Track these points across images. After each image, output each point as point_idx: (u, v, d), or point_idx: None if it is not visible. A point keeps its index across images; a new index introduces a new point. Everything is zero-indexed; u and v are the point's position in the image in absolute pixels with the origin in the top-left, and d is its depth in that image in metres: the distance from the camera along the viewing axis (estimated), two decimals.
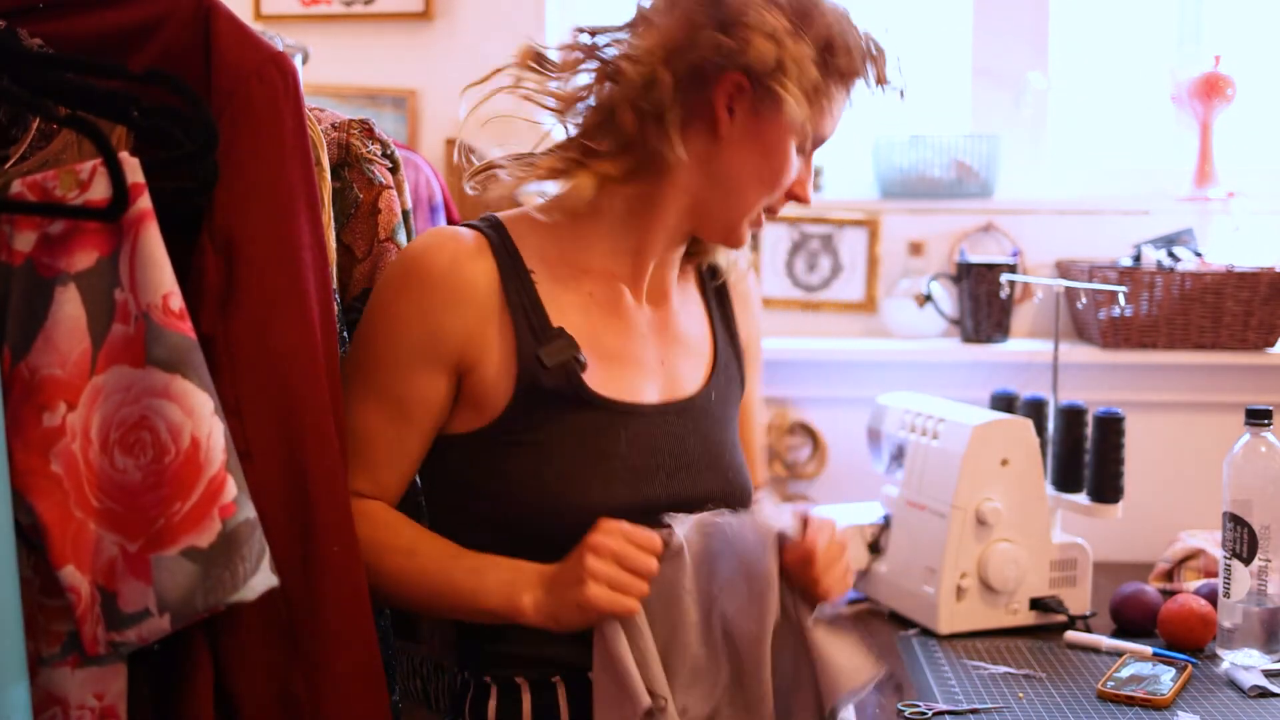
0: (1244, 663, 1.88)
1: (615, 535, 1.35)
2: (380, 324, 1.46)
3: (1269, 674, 1.85)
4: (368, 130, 1.64)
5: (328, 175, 1.54)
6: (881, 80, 1.51)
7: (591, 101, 1.48)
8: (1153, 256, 2.54)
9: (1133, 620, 2.05)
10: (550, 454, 1.44)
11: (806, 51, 1.43)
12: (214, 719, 1.21)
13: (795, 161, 1.50)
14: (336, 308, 1.51)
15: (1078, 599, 2.11)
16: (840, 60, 1.46)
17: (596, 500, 1.43)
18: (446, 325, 1.44)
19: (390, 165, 1.65)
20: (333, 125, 1.62)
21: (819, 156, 2.75)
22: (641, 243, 1.53)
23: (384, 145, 1.66)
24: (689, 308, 1.63)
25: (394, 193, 1.64)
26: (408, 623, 1.65)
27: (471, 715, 1.51)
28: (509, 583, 1.40)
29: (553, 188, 1.55)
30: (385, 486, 1.48)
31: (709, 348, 1.62)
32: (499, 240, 1.49)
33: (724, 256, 1.64)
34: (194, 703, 1.19)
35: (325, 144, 1.56)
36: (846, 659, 1.42)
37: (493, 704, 1.48)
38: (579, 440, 1.45)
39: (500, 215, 1.53)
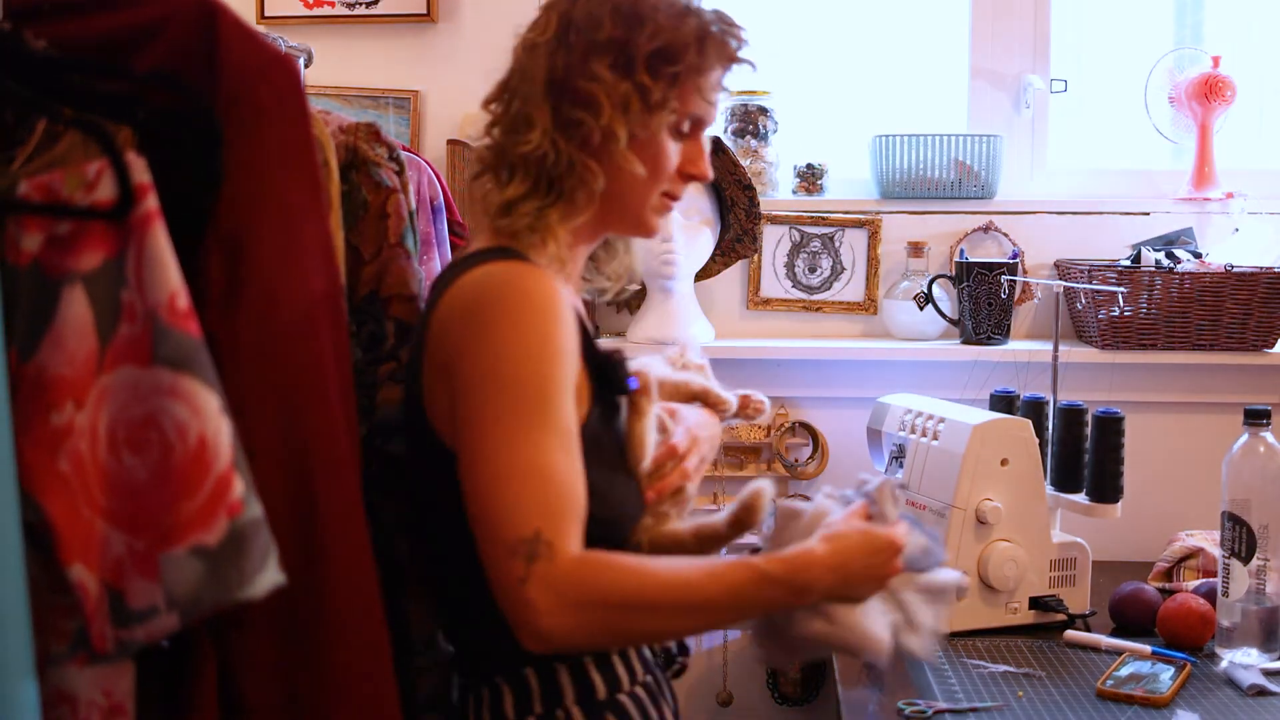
0: (1243, 661, 1.89)
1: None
2: (540, 358, 1.43)
3: (1268, 673, 1.86)
4: (374, 134, 1.64)
5: (335, 175, 1.55)
6: (728, 59, 1.56)
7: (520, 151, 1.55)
8: (1152, 257, 2.55)
9: (1132, 619, 2.06)
10: (615, 453, 1.54)
11: (638, 57, 1.50)
12: (219, 717, 1.22)
13: (672, 153, 1.56)
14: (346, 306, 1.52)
15: (1077, 598, 2.11)
16: (681, 55, 1.51)
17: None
18: (571, 346, 1.47)
19: (396, 168, 1.66)
20: (340, 128, 1.63)
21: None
22: (574, 254, 1.61)
23: (390, 148, 1.66)
24: None
25: (402, 196, 1.65)
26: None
27: (546, 709, 1.51)
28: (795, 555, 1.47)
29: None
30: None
31: None
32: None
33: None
34: (199, 701, 1.20)
35: (333, 146, 1.56)
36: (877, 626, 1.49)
37: (509, 703, 1.51)
38: (618, 438, 1.55)
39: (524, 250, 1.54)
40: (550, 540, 1.34)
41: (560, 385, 1.42)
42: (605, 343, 1.59)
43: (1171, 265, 2.51)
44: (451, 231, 2.23)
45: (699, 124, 1.59)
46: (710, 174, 1.62)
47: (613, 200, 1.56)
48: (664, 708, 1.59)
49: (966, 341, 2.65)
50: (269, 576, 1.10)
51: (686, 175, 1.60)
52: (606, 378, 1.51)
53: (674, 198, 1.62)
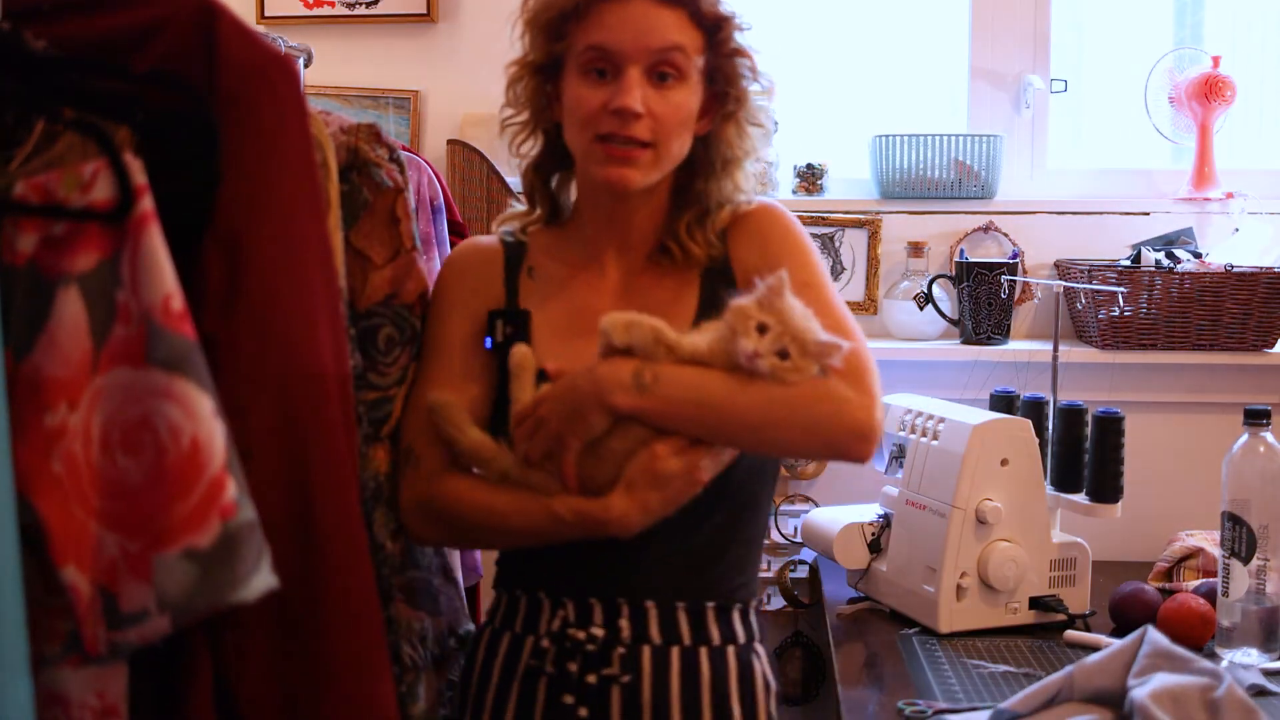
0: (1243, 661, 1.89)
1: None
2: (434, 315, 1.72)
3: (1267, 673, 1.86)
4: (375, 134, 1.64)
5: (334, 176, 1.55)
6: None
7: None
8: (1152, 257, 2.55)
9: (1132, 619, 2.05)
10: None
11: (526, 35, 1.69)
12: (214, 715, 1.21)
13: (586, 92, 1.62)
14: (345, 308, 1.52)
15: (1077, 598, 2.11)
16: (548, 8, 1.65)
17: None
18: (458, 304, 1.71)
19: (398, 169, 1.66)
20: (341, 129, 1.63)
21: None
22: (598, 217, 1.73)
23: (391, 149, 1.66)
24: (673, 289, 1.71)
25: (407, 196, 1.65)
26: (430, 598, 1.68)
27: (488, 619, 1.73)
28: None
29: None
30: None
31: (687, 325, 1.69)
32: (514, 244, 1.77)
33: (694, 237, 1.71)
34: (194, 703, 1.20)
35: (334, 147, 1.56)
36: None
37: (500, 612, 1.71)
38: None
39: (533, 228, 1.79)
40: (418, 454, 1.63)
41: (449, 334, 1.69)
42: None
43: (1171, 265, 2.51)
44: (451, 231, 2.23)
45: (610, 57, 1.61)
46: (633, 103, 1.59)
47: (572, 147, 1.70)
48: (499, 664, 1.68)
49: (966, 341, 2.65)
50: (262, 579, 1.10)
51: (613, 111, 1.60)
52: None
53: (616, 140, 1.61)
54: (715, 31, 1.65)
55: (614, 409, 1.52)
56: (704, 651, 1.63)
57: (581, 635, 1.62)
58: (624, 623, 1.62)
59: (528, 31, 1.68)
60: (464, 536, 1.71)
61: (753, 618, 1.71)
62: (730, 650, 1.65)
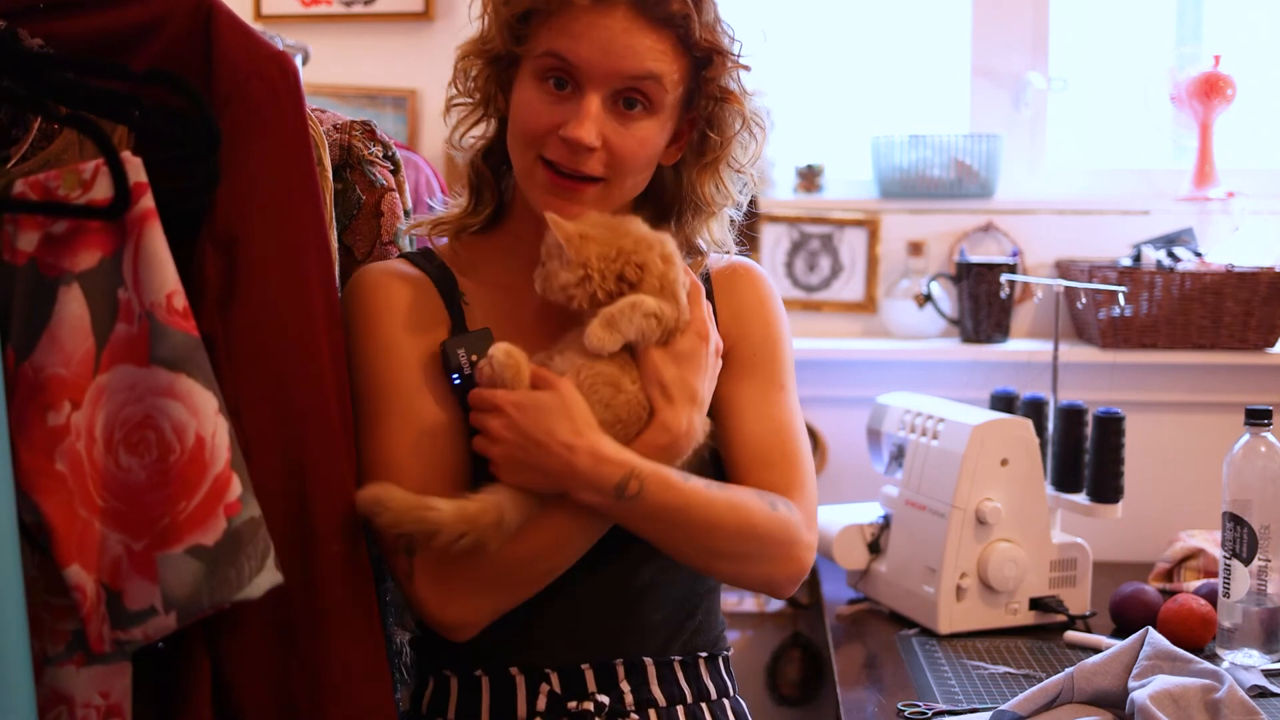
0: (1244, 662, 1.89)
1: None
2: (373, 356, 1.46)
3: (1268, 674, 1.85)
4: (369, 132, 1.64)
5: (329, 175, 1.55)
6: None
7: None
8: (1152, 256, 2.55)
9: (1133, 620, 2.05)
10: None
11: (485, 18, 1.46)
12: (213, 718, 1.21)
13: (537, 103, 1.41)
14: None
15: (1077, 599, 2.11)
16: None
17: None
18: (405, 336, 1.46)
19: (391, 167, 1.66)
20: (334, 126, 1.62)
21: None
22: (525, 241, 1.50)
23: (385, 147, 1.66)
24: None
25: (397, 195, 1.64)
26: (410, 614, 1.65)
27: (429, 711, 1.51)
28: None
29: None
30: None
31: None
32: (437, 267, 1.52)
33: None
34: (194, 702, 1.20)
35: (327, 144, 1.56)
36: None
37: (453, 699, 1.49)
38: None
39: (437, 247, 1.57)
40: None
41: (400, 375, 1.43)
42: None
43: (1172, 265, 2.51)
44: None
45: (571, 71, 1.39)
46: (587, 138, 1.37)
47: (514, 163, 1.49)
48: None
49: (966, 341, 2.64)
50: (267, 576, 1.10)
51: (563, 138, 1.39)
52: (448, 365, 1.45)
53: (562, 170, 1.41)
54: (705, 65, 1.43)
55: (579, 501, 1.37)
56: (705, 707, 1.53)
57: (588, 706, 1.45)
58: (624, 685, 1.48)
59: (489, 15, 1.44)
60: (512, 597, 1.42)
61: (730, 668, 1.61)
62: (726, 703, 1.56)
